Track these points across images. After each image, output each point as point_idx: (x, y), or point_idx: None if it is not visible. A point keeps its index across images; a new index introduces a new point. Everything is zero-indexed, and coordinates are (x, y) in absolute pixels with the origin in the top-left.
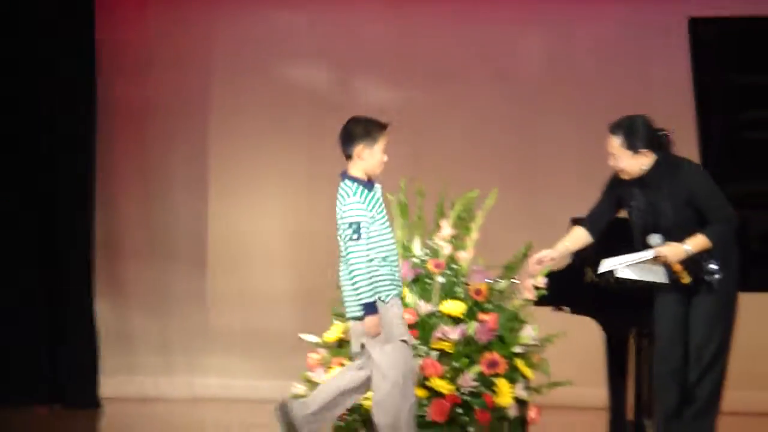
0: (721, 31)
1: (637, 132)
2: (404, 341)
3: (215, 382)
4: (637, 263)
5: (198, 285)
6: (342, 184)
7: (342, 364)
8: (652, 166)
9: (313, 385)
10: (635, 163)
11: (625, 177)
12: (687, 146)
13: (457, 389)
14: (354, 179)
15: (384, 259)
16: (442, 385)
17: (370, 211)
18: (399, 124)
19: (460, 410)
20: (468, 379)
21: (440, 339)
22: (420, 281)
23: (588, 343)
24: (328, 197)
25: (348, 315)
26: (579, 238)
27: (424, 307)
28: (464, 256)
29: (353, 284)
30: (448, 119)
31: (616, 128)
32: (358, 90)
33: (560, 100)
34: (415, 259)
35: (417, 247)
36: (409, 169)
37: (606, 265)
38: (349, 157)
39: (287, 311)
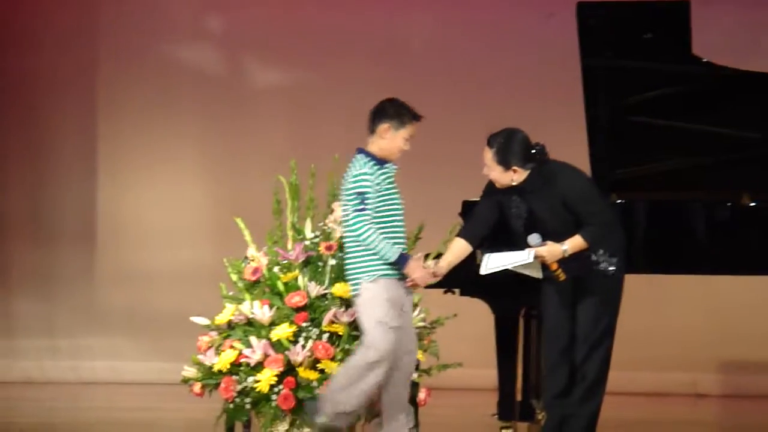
0: (607, 15)
1: (512, 148)
2: (382, 323)
3: (102, 364)
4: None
5: (85, 266)
6: (355, 157)
7: (232, 347)
8: (529, 174)
9: (203, 367)
10: (506, 177)
11: (497, 186)
12: (576, 129)
13: None
14: (367, 153)
15: (387, 231)
16: (334, 367)
17: (378, 185)
18: (288, 105)
19: None
20: None
21: (332, 321)
22: (312, 264)
23: (478, 325)
24: (216, 177)
25: (350, 287)
26: (460, 250)
27: (316, 290)
28: None
29: (356, 251)
30: (339, 99)
31: (492, 141)
32: (246, 70)
33: (447, 81)
34: (306, 242)
35: (308, 230)
36: (300, 150)
37: (488, 265)
38: (372, 131)
39: (176, 292)
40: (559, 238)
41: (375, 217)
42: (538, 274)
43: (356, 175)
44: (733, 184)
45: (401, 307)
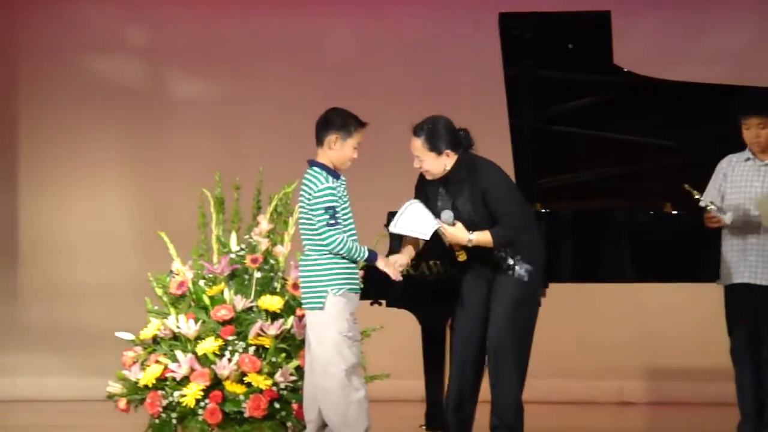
0: (529, 25)
1: (440, 133)
2: (347, 337)
3: (25, 381)
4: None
5: (7, 282)
6: (310, 170)
7: (158, 361)
8: (454, 166)
9: (128, 383)
10: (439, 163)
11: (430, 177)
12: (502, 138)
13: (275, 384)
14: (323, 167)
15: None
16: (260, 381)
17: (340, 199)
18: (212, 117)
19: (278, 405)
20: (286, 374)
21: (258, 334)
22: (237, 277)
23: (405, 336)
24: (139, 190)
25: (303, 304)
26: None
27: (242, 303)
28: (281, 251)
29: (318, 263)
30: (262, 110)
31: (418, 130)
32: (169, 82)
33: (370, 92)
34: (232, 255)
35: (234, 243)
36: (224, 162)
37: (397, 225)
38: (320, 143)
39: (101, 307)
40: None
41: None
42: (426, 234)
43: (321, 190)
44: (656, 192)
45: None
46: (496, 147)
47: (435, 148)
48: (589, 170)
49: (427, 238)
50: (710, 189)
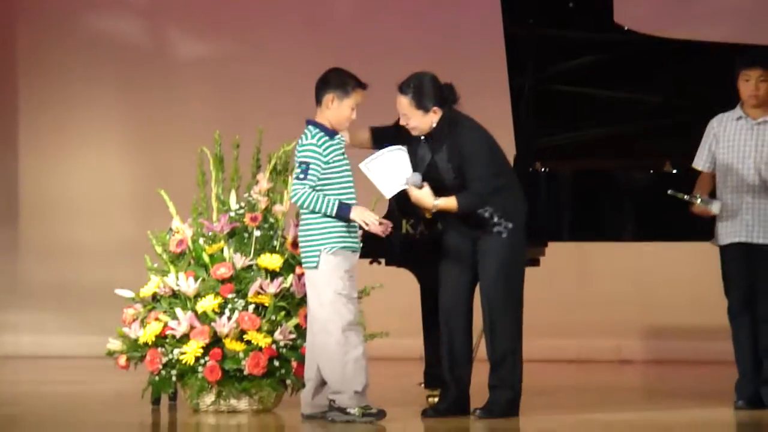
0: None
1: (426, 90)
2: (342, 295)
3: (26, 339)
4: (389, 175)
5: (8, 241)
6: (306, 128)
7: (158, 319)
8: (438, 121)
9: (128, 340)
10: (426, 121)
11: (416, 134)
12: (502, 97)
13: (275, 342)
14: (317, 125)
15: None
16: (259, 339)
17: (326, 157)
18: (212, 76)
19: (277, 363)
20: (285, 332)
21: (257, 293)
22: (237, 235)
23: (404, 295)
24: (139, 149)
25: (302, 263)
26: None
27: (241, 261)
28: (280, 209)
29: (311, 222)
30: (263, 70)
31: (404, 88)
32: (169, 41)
33: (370, 52)
34: (231, 213)
35: (233, 201)
36: (224, 121)
37: (368, 167)
38: (318, 102)
39: (101, 265)
40: (449, 191)
41: (326, 188)
42: (386, 193)
43: (303, 145)
44: (655, 151)
45: (354, 276)
46: (496, 106)
47: (422, 105)
48: (588, 129)
49: (387, 197)
50: (701, 150)
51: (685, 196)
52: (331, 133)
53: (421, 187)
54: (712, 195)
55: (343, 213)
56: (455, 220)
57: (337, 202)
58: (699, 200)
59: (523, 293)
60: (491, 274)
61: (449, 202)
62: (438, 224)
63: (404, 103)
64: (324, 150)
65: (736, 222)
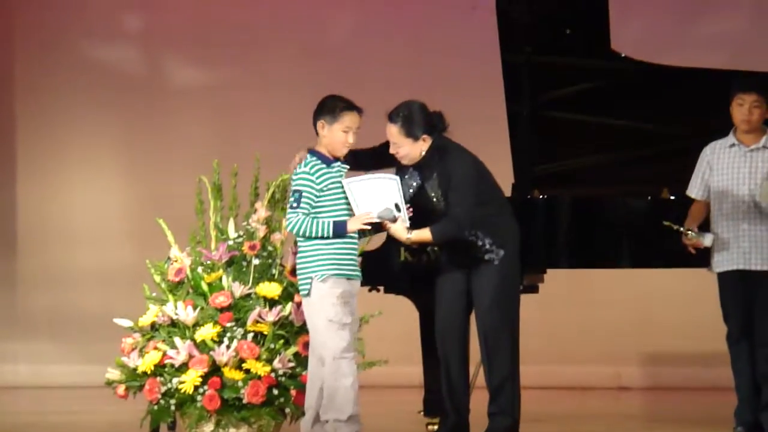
0: (527, 10)
1: (415, 118)
2: (333, 322)
3: (25, 368)
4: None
5: (6, 269)
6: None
7: (156, 348)
8: (428, 149)
9: (127, 369)
10: (416, 149)
11: (406, 162)
12: (499, 124)
13: (274, 371)
14: (314, 153)
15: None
16: (259, 367)
17: (319, 184)
18: (210, 104)
19: (276, 391)
20: (284, 361)
21: (256, 321)
22: (235, 263)
23: (403, 322)
24: (137, 177)
25: (299, 286)
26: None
27: (240, 290)
28: (279, 238)
29: (305, 250)
30: (261, 97)
31: (394, 116)
32: (167, 68)
33: (368, 79)
34: (230, 242)
35: (231, 230)
36: (222, 149)
37: (351, 188)
38: (316, 132)
39: (99, 294)
40: (437, 218)
41: (321, 215)
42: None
43: (296, 174)
44: (653, 178)
45: (350, 302)
46: (493, 133)
47: (411, 134)
48: (586, 156)
49: (368, 227)
50: (695, 178)
51: (680, 228)
52: (329, 161)
53: (394, 220)
54: (706, 223)
55: (339, 229)
56: (448, 247)
57: (331, 222)
58: (691, 233)
59: (518, 319)
60: (485, 303)
61: (423, 234)
62: (438, 251)
63: (394, 131)
64: (317, 178)
65: (733, 249)
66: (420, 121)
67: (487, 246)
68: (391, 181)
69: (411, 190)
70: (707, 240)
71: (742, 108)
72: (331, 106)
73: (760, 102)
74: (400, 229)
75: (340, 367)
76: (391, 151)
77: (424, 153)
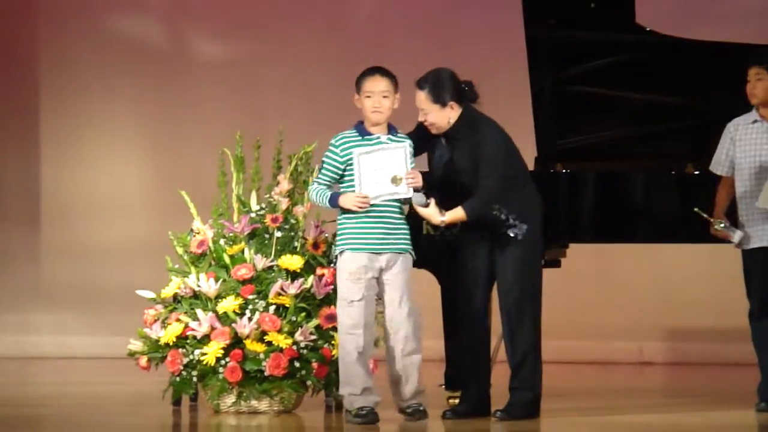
0: None
1: (444, 85)
2: (343, 299)
3: (48, 339)
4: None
5: (30, 242)
6: None
7: (178, 320)
8: (458, 120)
9: (149, 341)
10: (443, 116)
11: (435, 131)
12: (523, 98)
13: (295, 343)
14: (357, 126)
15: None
16: (280, 340)
17: (343, 156)
18: (231, 78)
19: (297, 364)
20: (306, 333)
21: (278, 294)
22: (258, 236)
23: (425, 296)
24: (160, 150)
25: None
26: None
27: (262, 262)
28: (301, 210)
29: (341, 225)
30: (284, 71)
31: (422, 82)
32: (190, 42)
33: (391, 53)
34: (252, 214)
35: (254, 202)
36: (245, 122)
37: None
38: None
39: (122, 266)
40: (468, 193)
41: (343, 185)
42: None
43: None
44: (677, 152)
45: (363, 278)
46: (517, 107)
47: (439, 99)
48: (610, 130)
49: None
50: (719, 155)
51: (710, 219)
52: (365, 133)
53: (426, 206)
54: (733, 206)
55: (333, 202)
56: (472, 222)
57: (328, 193)
58: (722, 226)
59: (541, 294)
60: (508, 278)
61: (456, 214)
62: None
63: (422, 97)
64: (341, 150)
65: (758, 227)
66: (448, 88)
67: (510, 221)
68: (398, 150)
69: (441, 163)
70: (736, 237)
71: (749, 84)
72: (357, 80)
73: (762, 74)
74: (434, 212)
75: (345, 343)
76: (420, 118)
77: (452, 122)
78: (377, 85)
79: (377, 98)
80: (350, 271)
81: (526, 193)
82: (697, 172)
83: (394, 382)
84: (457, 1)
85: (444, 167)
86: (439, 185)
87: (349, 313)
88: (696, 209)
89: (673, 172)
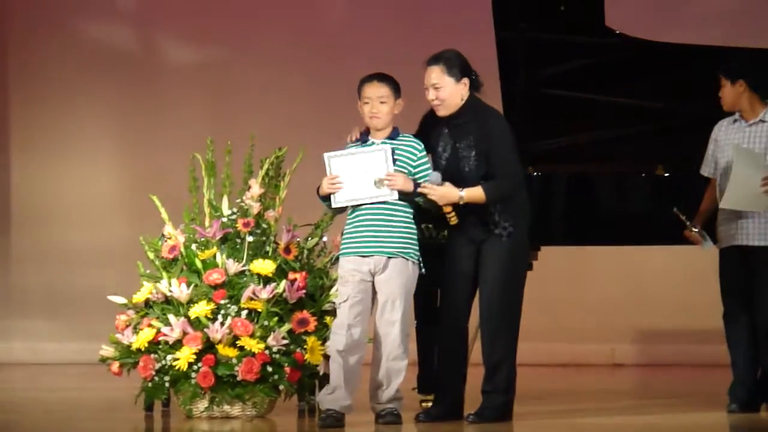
0: None
1: (458, 60)
2: (336, 302)
3: (20, 345)
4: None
5: (0, 246)
6: None
7: (150, 325)
8: (463, 106)
9: (121, 346)
10: (457, 92)
11: (443, 112)
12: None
13: (268, 348)
14: (362, 133)
15: (353, 210)
16: (253, 344)
17: None
18: (204, 82)
19: (270, 369)
20: (278, 338)
21: (250, 298)
22: (229, 240)
23: None
24: (131, 155)
25: None
26: None
27: (234, 267)
28: (273, 215)
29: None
30: (254, 75)
31: (435, 60)
32: (160, 47)
33: (362, 58)
34: (223, 219)
35: (225, 207)
36: (216, 127)
37: (339, 159)
38: None
39: (93, 271)
40: (472, 182)
41: None
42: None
43: None
44: (647, 155)
45: (350, 281)
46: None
47: (453, 73)
48: (581, 133)
49: (333, 204)
50: (706, 157)
51: (687, 222)
52: (365, 138)
53: (441, 185)
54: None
55: (320, 196)
56: (460, 223)
57: (318, 188)
58: (696, 231)
59: (522, 299)
60: (490, 280)
61: (475, 192)
62: (433, 229)
63: (436, 72)
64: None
65: (733, 225)
66: (461, 65)
67: (497, 218)
68: (377, 153)
69: (446, 152)
70: (707, 245)
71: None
72: (358, 85)
73: (723, 80)
74: (450, 189)
75: (330, 342)
76: (430, 96)
77: (463, 102)
78: (375, 91)
79: (374, 104)
80: (341, 274)
81: (521, 198)
82: (666, 174)
83: (373, 385)
84: (426, 3)
85: (449, 158)
86: (443, 176)
87: (338, 313)
88: (675, 210)
89: (643, 174)
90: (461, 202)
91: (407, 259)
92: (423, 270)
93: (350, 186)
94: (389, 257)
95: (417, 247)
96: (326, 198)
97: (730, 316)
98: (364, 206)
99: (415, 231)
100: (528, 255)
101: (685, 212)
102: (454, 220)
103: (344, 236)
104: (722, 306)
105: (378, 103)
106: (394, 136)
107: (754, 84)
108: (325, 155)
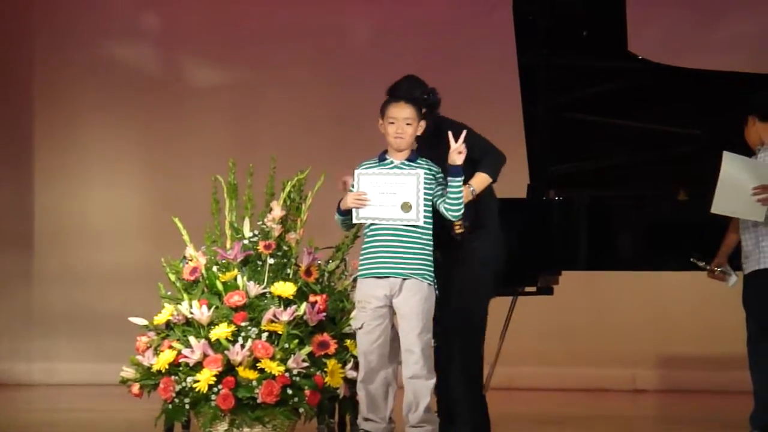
0: (544, 11)
1: (425, 103)
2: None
3: (40, 366)
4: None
5: (23, 268)
6: None
7: (171, 347)
8: (425, 127)
9: (142, 368)
10: (419, 130)
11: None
12: (516, 125)
13: (288, 370)
14: (380, 154)
15: (369, 229)
16: (273, 367)
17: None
18: (226, 104)
19: (290, 391)
20: (298, 360)
21: (271, 321)
22: (250, 263)
23: None
24: (153, 176)
25: None
26: None
27: (255, 289)
28: (294, 237)
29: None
30: (277, 97)
31: (410, 100)
32: (183, 69)
33: (387, 79)
34: (245, 241)
35: (247, 229)
36: (238, 149)
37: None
38: None
39: (115, 293)
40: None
41: None
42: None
43: None
44: (669, 180)
45: (368, 306)
46: (510, 135)
47: (421, 115)
48: (602, 158)
49: (354, 220)
50: None
51: (706, 266)
52: (383, 158)
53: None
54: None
55: (339, 210)
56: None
57: (338, 204)
58: (719, 270)
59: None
60: (450, 293)
61: (479, 178)
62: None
63: (410, 112)
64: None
65: (756, 250)
66: (427, 107)
67: (468, 225)
68: (409, 177)
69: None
70: (732, 280)
71: None
72: (382, 104)
73: (744, 120)
74: (464, 192)
75: (362, 370)
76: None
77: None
78: (401, 112)
79: (400, 125)
80: (358, 299)
81: (493, 224)
82: (688, 198)
83: (405, 408)
84: (452, 27)
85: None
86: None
87: (363, 341)
88: (692, 258)
89: (665, 199)
90: (474, 195)
91: (422, 281)
92: (438, 292)
93: (376, 204)
94: (404, 279)
95: (432, 270)
96: (345, 213)
97: (755, 340)
98: (381, 228)
99: (431, 254)
100: (492, 285)
101: (705, 245)
102: (459, 228)
103: (361, 257)
104: (746, 331)
105: (404, 125)
106: (413, 158)
107: (763, 115)
108: (356, 171)
